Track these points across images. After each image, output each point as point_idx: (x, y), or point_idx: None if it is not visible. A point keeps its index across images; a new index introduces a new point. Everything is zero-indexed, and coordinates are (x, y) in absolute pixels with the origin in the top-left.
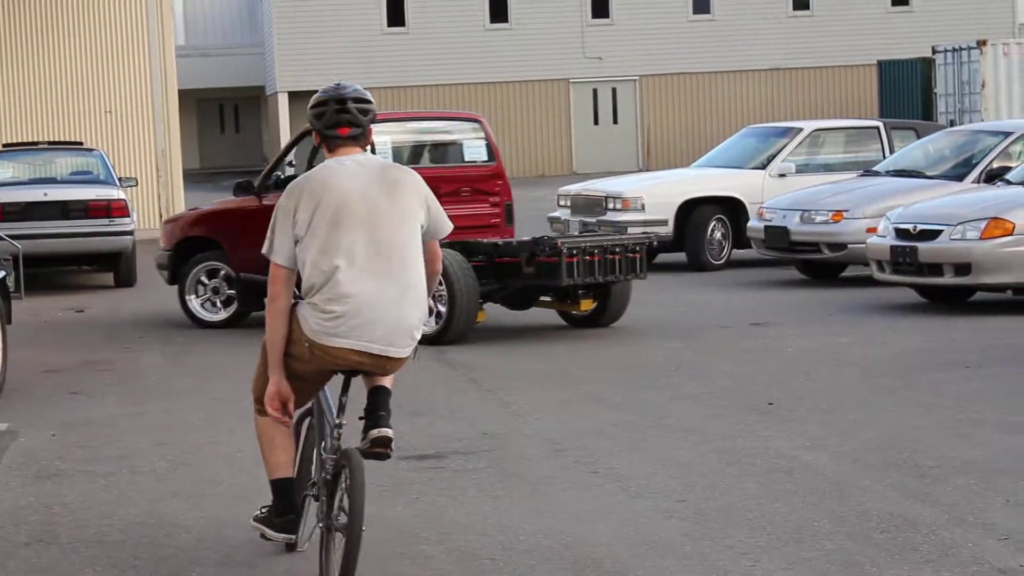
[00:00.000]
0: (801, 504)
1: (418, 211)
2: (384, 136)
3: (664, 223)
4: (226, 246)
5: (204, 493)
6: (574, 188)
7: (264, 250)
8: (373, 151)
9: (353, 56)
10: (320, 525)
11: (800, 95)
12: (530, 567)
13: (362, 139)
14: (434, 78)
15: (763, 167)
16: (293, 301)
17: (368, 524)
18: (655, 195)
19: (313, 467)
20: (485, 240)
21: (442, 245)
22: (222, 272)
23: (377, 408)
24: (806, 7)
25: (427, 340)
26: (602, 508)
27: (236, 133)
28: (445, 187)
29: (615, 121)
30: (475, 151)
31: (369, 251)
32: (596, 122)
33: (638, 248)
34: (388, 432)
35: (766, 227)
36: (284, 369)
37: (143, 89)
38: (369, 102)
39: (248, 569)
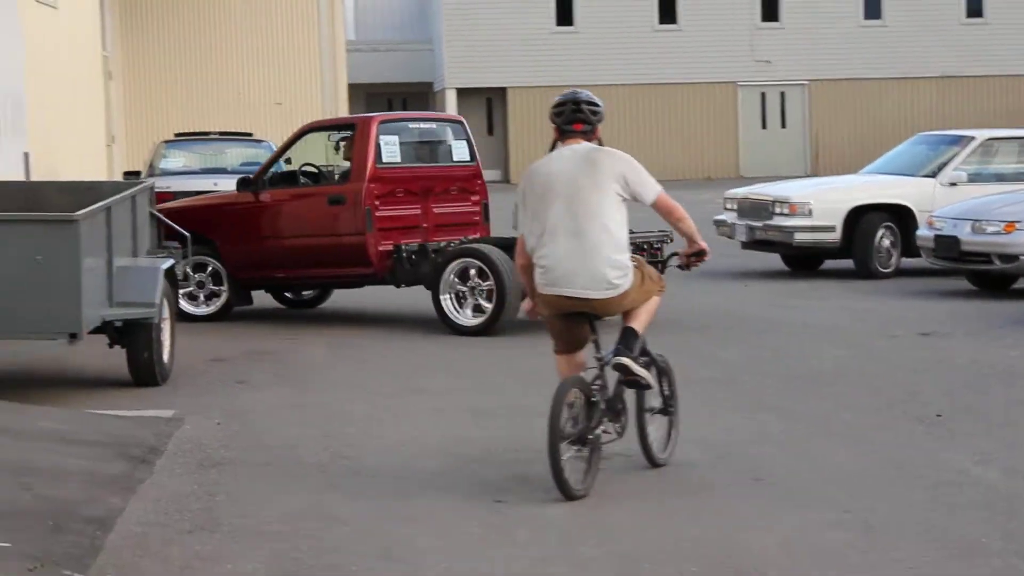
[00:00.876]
0: (970, 519)
1: (612, 184)
2: (390, 136)
3: (832, 229)
4: (217, 241)
5: (364, 486)
6: (741, 192)
7: (512, 225)
8: (600, 143)
9: (521, 54)
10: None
11: (971, 103)
12: (692, 574)
13: (590, 134)
14: (601, 78)
15: (934, 175)
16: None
17: (524, 523)
18: (823, 200)
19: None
20: None
21: (491, 241)
22: (209, 268)
23: (619, 343)
24: (979, 14)
25: (474, 332)
26: (765, 516)
27: None
28: (439, 186)
29: (783, 125)
30: (461, 152)
31: (565, 218)
32: (764, 126)
33: (660, 245)
34: (621, 360)
35: (936, 236)
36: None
37: (312, 82)
38: (598, 105)
39: (407, 565)
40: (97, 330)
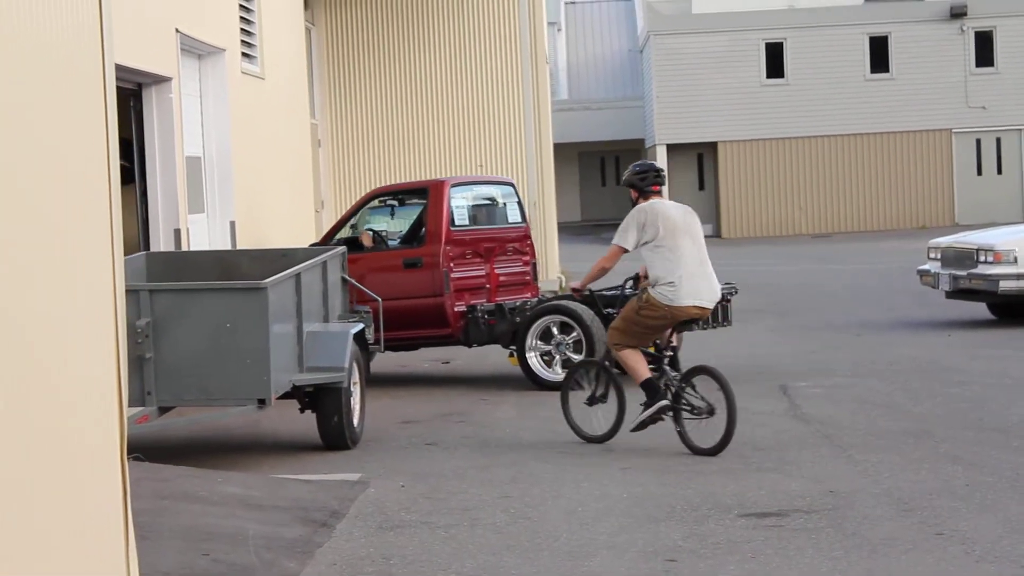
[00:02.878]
0: None
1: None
2: (461, 199)
3: None
4: None
5: (540, 548)
6: (945, 240)
7: (616, 240)
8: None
9: (731, 108)
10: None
11: None
12: None
13: (661, 192)
14: (812, 129)
15: None
16: (644, 285)
17: None
18: None
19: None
20: (610, 292)
21: (569, 297)
22: None
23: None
24: None
25: (556, 387)
26: (943, 572)
27: (617, 185)
28: (498, 248)
29: (999, 171)
30: (514, 213)
31: (694, 250)
32: (979, 172)
33: (729, 297)
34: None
35: None
36: (640, 325)
37: (516, 143)
38: (663, 171)
39: None
40: (288, 395)
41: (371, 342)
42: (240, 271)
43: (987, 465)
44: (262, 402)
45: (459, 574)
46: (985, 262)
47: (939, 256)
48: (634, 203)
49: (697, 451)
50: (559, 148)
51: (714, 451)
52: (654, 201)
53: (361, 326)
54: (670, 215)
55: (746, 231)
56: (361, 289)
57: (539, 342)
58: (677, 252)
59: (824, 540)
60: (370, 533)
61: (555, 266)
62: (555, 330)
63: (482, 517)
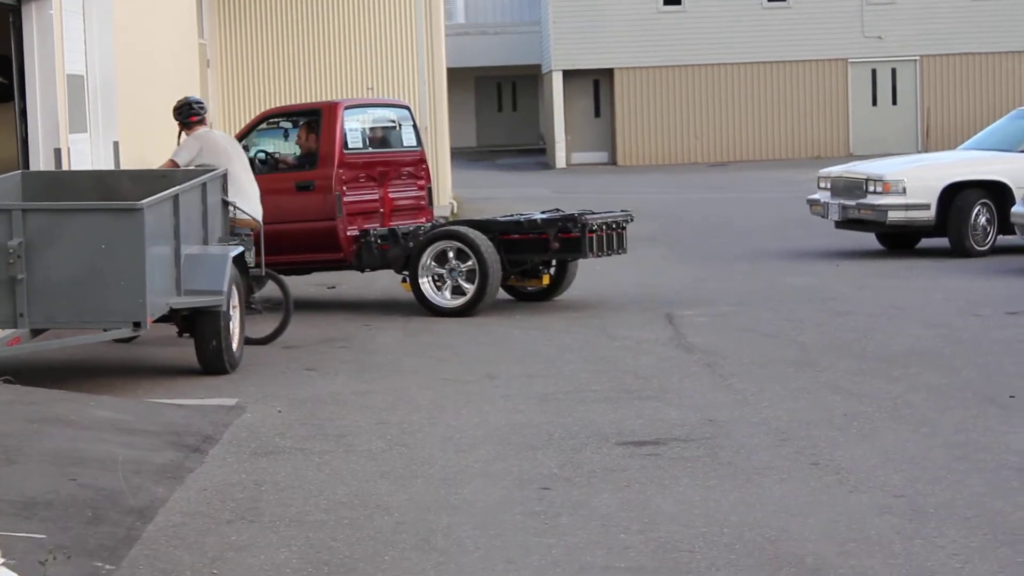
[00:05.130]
0: None
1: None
2: (354, 122)
3: (927, 207)
4: None
5: (414, 475)
6: (835, 170)
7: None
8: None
9: (628, 35)
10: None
11: None
12: (729, 561)
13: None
14: (709, 57)
15: None
16: None
17: (572, 511)
18: (917, 178)
19: None
20: (504, 218)
21: (466, 223)
22: None
23: None
24: None
25: (455, 313)
26: (815, 502)
27: (514, 111)
28: (392, 172)
29: (894, 102)
30: (409, 137)
31: (244, 172)
32: (875, 103)
33: (625, 224)
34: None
35: None
36: None
37: (408, 67)
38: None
39: (440, 555)
40: (166, 319)
41: (252, 265)
42: (120, 192)
43: (867, 395)
44: (137, 325)
45: (330, 500)
46: (874, 192)
47: (829, 186)
48: (181, 133)
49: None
50: (455, 73)
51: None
52: (205, 130)
53: (241, 249)
54: (219, 139)
55: (642, 159)
56: (242, 212)
57: (434, 264)
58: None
59: (699, 469)
60: (243, 459)
61: (448, 192)
62: (451, 255)
63: (357, 443)
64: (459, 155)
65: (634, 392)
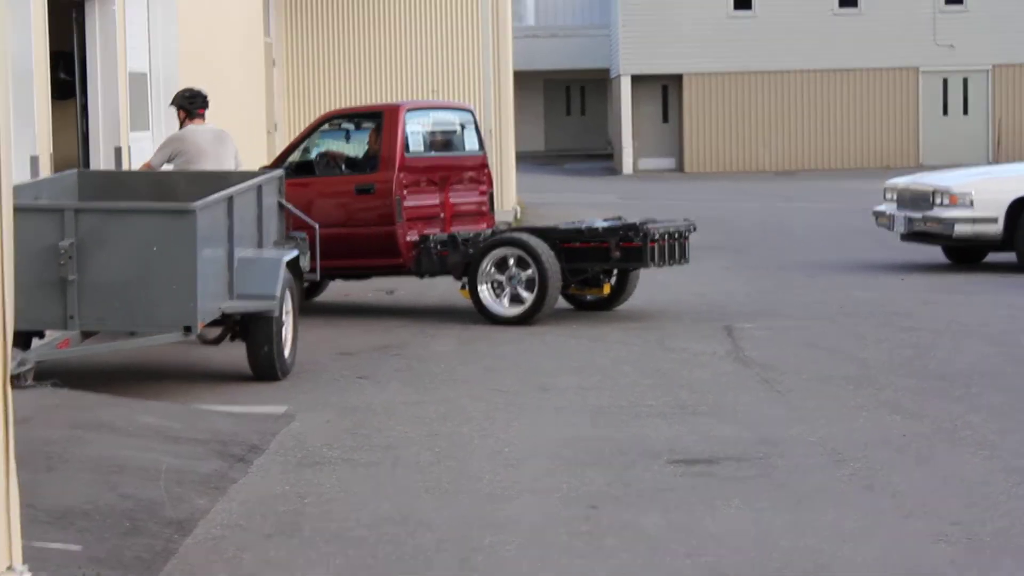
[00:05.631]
0: None
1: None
2: (416, 125)
3: (994, 221)
4: None
5: (460, 490)
6: (901, 181)
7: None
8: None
9: (698, 40)
10: None
11: None
12: None
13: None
14: (778, 63)
15: None
16: None
17: (619, 531)
18: (985, 191)
19: None
20: (566, 225)
21: (526, 231)
22: None
23: None
24: None
25: (513, 321)
26: (868, 527)
27: (582, 115)
28: (454, 176)
29: (965, 112)
30: (471, 141)
31: None
32: (945, 112)
33: (688, 234)
34: None
35: None
36: None
37: (473, 69)
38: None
39: (480, 574)
40: (218, 323)
41: (307, 270)
42: (176, 193)
43: (926, 415)
44: (188, 329)
45: (373, 515)
46: (941, 204)
47: (895, 197)
48: (182, 124)
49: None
50: (523, 76)
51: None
52: (189, 128)
53: (295, 253)
54: (199, 142)
55: (709, 166)
56: (298, 215)
57: (494, 270)
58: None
59: (751, 490)
60: (288, 470)
61: (512, 197)
62: (511, 262)
63: (405, 456)
64: (526, 159)
65: (688, 408)
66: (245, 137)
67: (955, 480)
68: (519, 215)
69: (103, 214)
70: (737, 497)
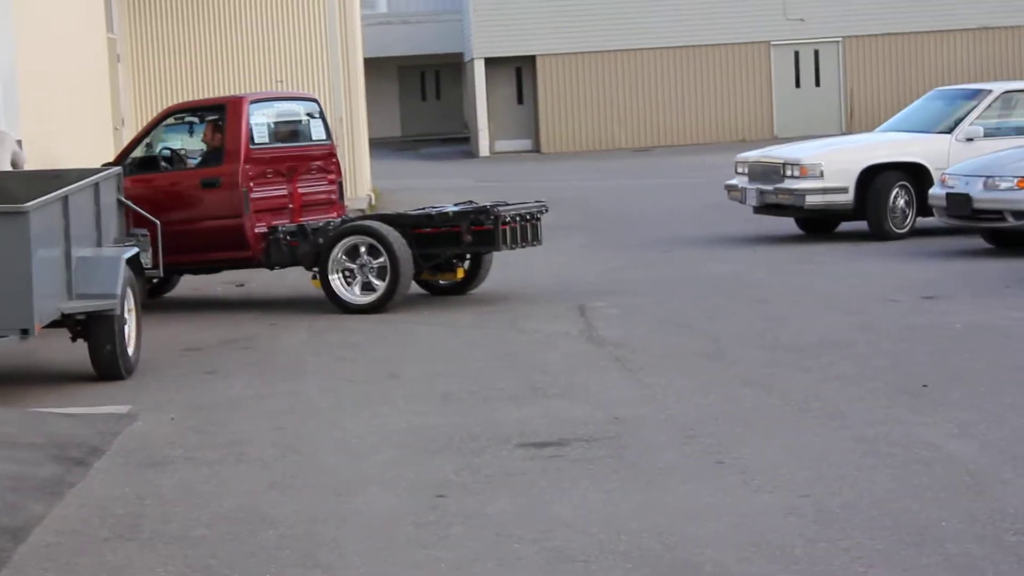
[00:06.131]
0: (932, 501)
1: None
2: (261, 117)
3: (845, 191)
4: None
5: (304, 485)
6: (752, 155)
7: None
8: None
9: (548, 21)
10: None
11: (1011, 56)
12: (624, 571)
13: None
14: (631, 43)
15: (950, 131)
16: None
17: (466, 520)
18: (835, 162)
19: None
20: (416, 211)
21: (376, 218)
22: None
23: None
24: None
25: (366, 310)
26: (718, 504)
27: (437, 100)
28: (301, 166)
29: (817, 84)
30: (318, 131)
31: None
32: (798, 85)
33: (540, 216)
34: None
35: (948, 194)
36: None
37: (322, 57)
38: None
39: (324, 571)
40: (58, 323)
41: (148, 266)
42: (8, 194)
43: (777, 387)
44: (25, 332)
45: (214, 514)
46: (791, 176)
47: (746, 171)
48: None
49: None
50: (377, 63)
51: None
52: None
53: (135, 250)
54: None
55: (566, 146)
56: (138, 212)
57: (345, 259)
58: None
59: (602, 470)
60: (129, 471)
61: (366, 184)
62: (363, 250)
63: (250, 451)
64: (383, 145)
65: (540, 390)
66: (90, 134)
67: (805, 452)
68: (373, 202)
69: None
70: (586, 479)
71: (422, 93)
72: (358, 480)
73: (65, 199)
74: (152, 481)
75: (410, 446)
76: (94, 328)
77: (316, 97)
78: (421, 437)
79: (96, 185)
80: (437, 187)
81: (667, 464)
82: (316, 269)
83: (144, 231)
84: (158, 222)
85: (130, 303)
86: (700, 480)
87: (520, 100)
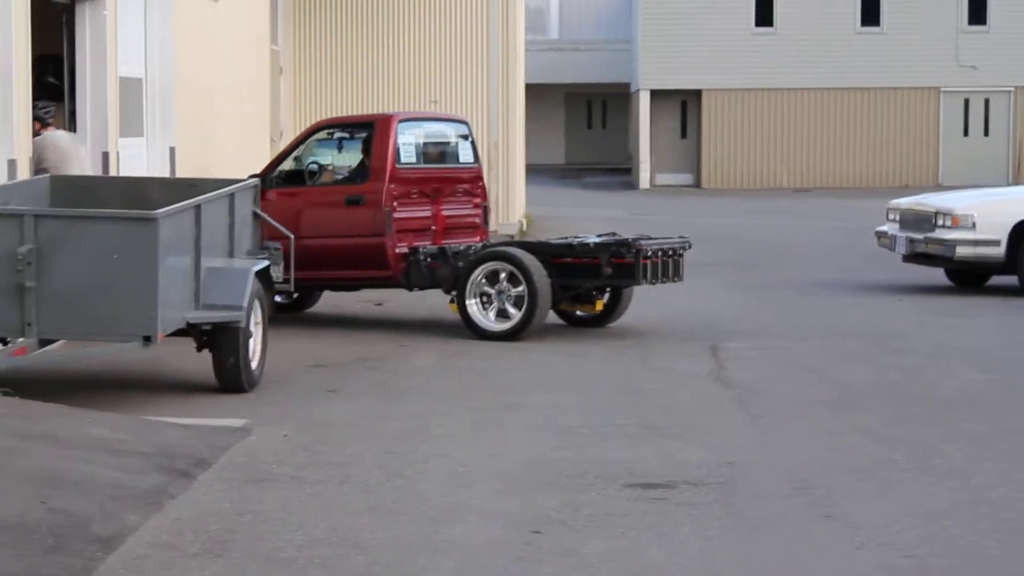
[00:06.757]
0: None
1: None
2: (409, 136)
3: (996, 244)
4: None
5: (404, 511)
6: (904, 202)
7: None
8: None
9: (718, 56)
10: None
11: None
12: None
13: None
14: (799, 81)
15: None
16: None
17: (558, 559)
18: (989, 213)
19: None
20: (557, 241)
21: (517, 245)
22: None
23: None
24: None
25: (501, 337)
26: (818, 560)
27: (603, 128)
28: (447, 188)
29: (986, 133)
30: (466, 153)
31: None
32: (966, 133)
33: (683, 251)
34: None
35: None
36: None
37: (480, 81)
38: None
39: None
40: (184, 332)
41: (279, 280)
42: (148, 200)
43: (901, 441)
44: (148, 339)
45: (308, 536)
46: (943, 226)
47: (897, 218)
48: (36, 133)
49: None
50: (544, 89)
51: None
52: (47, 135)
53: (266, 263)
54: (60, 144)
55: (726, 182)
56: (274, 225)
57: (485, 283)
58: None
59: (705, 517)
60: (232, 486)
61: (519, 210)
62: (503, 276)
63: (355, 474)
64: (546, 171)
65: (658, 429)
66: (248, 144)
67: (917, 511)
68: (524, 228)
69: (64, 220)
70: (688, 524)
71: (588, 121)
72: (458, 510)
73: (198, 208)
74: (253, 498)
75: (517, 479)
76: (219, 339)
77: (467, 119)
78: (530, 470)
79: (231, 196)
80: (590, 217)
81: (773, 514)
82: (455, 293)
83: (277, 244)
84: (292, 236)
85: (257, 316)
86: (804, 534)
87: (684, 134)
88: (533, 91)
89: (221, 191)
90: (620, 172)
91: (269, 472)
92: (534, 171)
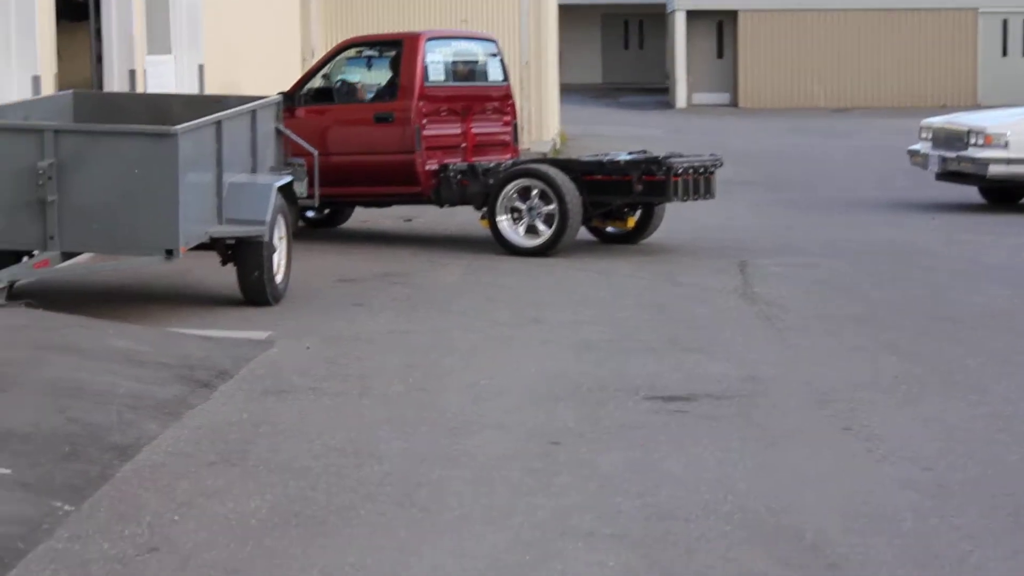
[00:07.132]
0: None
1: None
2: (437, 55)
3: None
4: None
5: (422, 422)
6: (936, 121)
7: None
8: None
9: None
10: None
11: None
12: (722, 533)
13: None
14: (837, 2)
15: None
16: None
17: (574, 469)
18: (1022, 131)
19: None
20: (588, 158)
21: (548, 163)
22: None
23: None
24: None
25: (531, 252)
26: (836, 472)
27: (640, 49)
28: (476, 106)
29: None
30: (495, 72)
31: None
32: (1004, 53)
33: (714, 169)
34: None
35: None
36: None
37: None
38: None
39: (420, 511)
40: (208, 247)
41: (303, 196)
42: (170, 117)
43: (924, 356)
44: (170, 253)
45: (325, 446)
46: (975, 144)
47: (930, 136)
48: None
49: None
50: (580, 10)
51: None
52: None
53: (289, 179)
54: None
55: (763, 102)
56: (297, 141)
57: (516, 197)
58: None
59: (723, 429)
60: (251, 397)
61: (552, 128)
62: (534, 193)
63: (376, 386)
64: (582, 91)
65: (680, 343)
66: (277, 63)
67: (937, 425)
68: (558, 146)
69: (84, 136)
70: (708, 436)
71: (625, 42)
72: (476, 422)
73: (218, 124)
74: (272, 409)
75: (537, 392)
76: (243, 253)
77: (495, 37)
78: (550, 384)
79: (253, 112)
80: (626, 135)
81: (793, 427)
82: (485, 209)
83: (301, 160)
84: (315, 152)
85: (281, 231)
86: (823, 446)
87: (720, 54)
88: (570, 12)
89: (242, 107)
90: (657, 92)
91: (289, 384)
92: (571, 91)
